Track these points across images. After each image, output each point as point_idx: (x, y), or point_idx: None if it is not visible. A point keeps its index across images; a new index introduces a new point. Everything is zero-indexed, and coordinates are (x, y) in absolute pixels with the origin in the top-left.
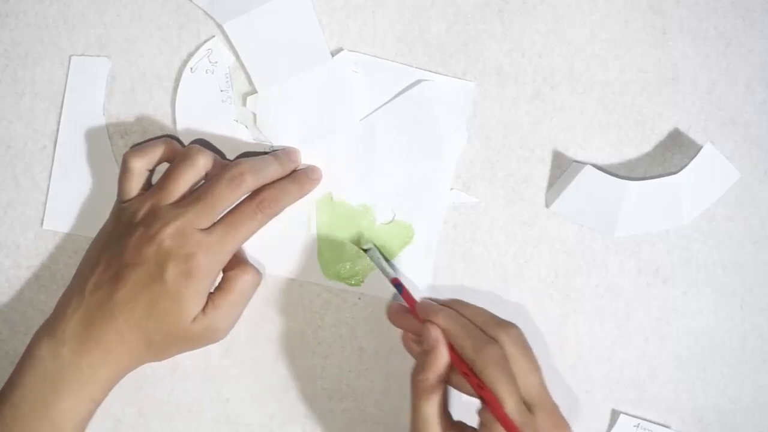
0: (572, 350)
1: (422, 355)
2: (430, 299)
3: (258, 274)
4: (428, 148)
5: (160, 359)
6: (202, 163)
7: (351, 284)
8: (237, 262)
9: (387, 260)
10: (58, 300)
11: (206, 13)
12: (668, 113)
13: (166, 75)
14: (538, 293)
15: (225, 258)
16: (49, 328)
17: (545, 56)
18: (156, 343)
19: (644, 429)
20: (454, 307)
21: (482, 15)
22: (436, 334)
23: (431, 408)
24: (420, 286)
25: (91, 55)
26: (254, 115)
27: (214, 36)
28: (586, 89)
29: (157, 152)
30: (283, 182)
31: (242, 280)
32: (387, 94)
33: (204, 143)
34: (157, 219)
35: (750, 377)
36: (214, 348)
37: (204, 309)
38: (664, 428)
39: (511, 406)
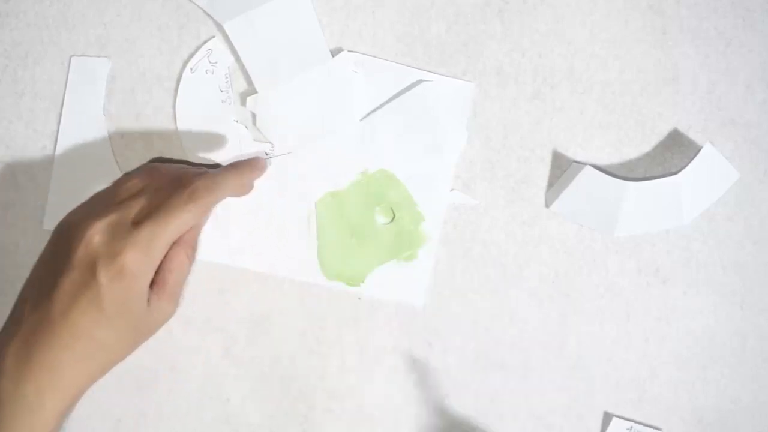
0: (572, 350)
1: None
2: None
3: (191, 249)
4: (428, 149)
5: (117, 362)
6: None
7: (351, 284)
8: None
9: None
10: None
11: (206, 13)
12: (668, 113)
13: (166, 75)
14: (538, 293)
15: (158, 255)
16: None
17: (545, 56)
18: (110, 347)
19: None
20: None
21: (482, 15)
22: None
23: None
24: (419, 288)
25: (91, 56)
26: (254, 115)
27: (213, 36)
28: (586, 89)
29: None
30: (220, 171)
31: (177, 261)
32: (387, 94)
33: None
34: (91, 217)
35: (750, 377)
36: (213, 348)
37: (148, 301)
38: (657, 431)
39: None
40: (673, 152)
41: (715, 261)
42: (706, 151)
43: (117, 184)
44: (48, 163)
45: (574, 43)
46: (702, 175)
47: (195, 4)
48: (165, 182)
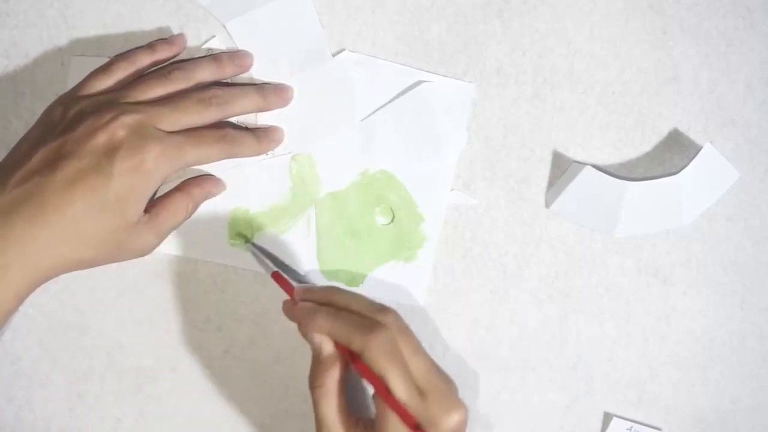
0: (572, 351)
1: (313, 362)
2: (308, 286)
3: (192, 206)
4: (428, 149)
5: (85, 264)
6: (175, 75)
7: (350, 285)
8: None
9: (267, 253)
10: None
11: (207, 13)
12: (668, 113)
13: None
14: (538, 293)
15: (177, 166)
16: None
17: (545, 56)
18: (89, 243)
19: None
20: (331, 299)
21: (482, 15)
22: (319, 340)
23: (330, 412)
24: (419, 288)
25: (91, 56)
26: (255, 115)
27: (214, 36)
28: (587, 89)
29: (144, 60)
30: (245, 133)
31: (176, 205)
32: (387, 95)
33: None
34: (114, 110)
35: (750, 377)
36: (214, 348)
37: (138, 222)
38: (657, 431)
39: (402, 393)
40: (673, 152)
41: (715, 261)
42: (706, 151)
43: (134, 85)
44: None
45: (574, 43)
46: (702, 175)
47: (198, 3)
48: (191, 102)
